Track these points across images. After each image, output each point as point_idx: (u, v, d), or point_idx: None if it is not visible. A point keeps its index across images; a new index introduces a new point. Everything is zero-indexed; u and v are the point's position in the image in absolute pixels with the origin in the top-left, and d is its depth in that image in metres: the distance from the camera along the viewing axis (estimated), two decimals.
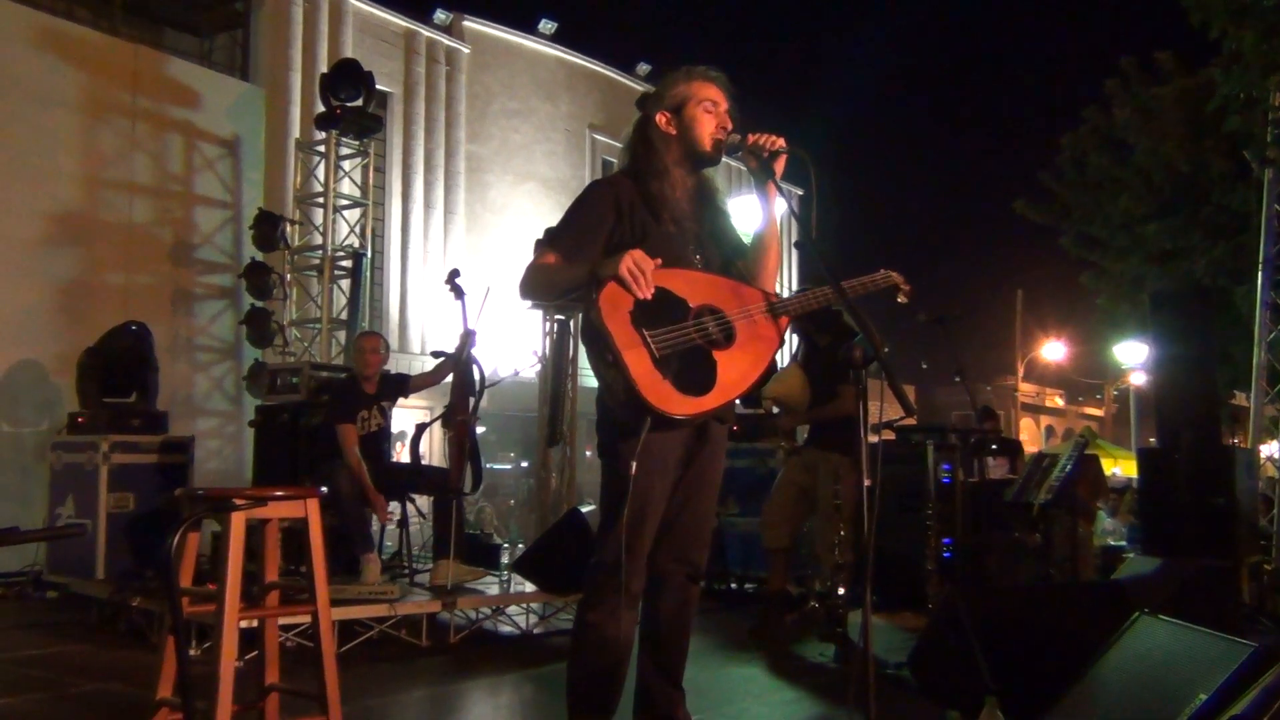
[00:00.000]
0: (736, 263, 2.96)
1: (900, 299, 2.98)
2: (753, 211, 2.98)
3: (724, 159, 2.99)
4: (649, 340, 2.60)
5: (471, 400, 5.67)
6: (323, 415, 6.10)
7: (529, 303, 7.41)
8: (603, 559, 2.76)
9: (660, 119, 2.91)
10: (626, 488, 2.66)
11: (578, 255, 2.75)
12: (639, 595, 2.83)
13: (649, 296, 2.60)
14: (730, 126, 2.89)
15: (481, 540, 7.09)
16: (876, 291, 2.95)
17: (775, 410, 5.84)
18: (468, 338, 5.63)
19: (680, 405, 2.62)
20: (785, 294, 2.94)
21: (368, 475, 5.52)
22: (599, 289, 2.60)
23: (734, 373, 2.72)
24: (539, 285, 2.84)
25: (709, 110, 2.88)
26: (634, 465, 2.63)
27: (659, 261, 2.64)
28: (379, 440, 5.92)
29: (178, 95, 9.42)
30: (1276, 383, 8.59)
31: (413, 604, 5.01)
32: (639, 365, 2.58)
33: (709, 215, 2.97)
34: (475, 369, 5.72)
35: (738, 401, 3.08)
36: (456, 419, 5.60)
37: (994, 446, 7.24)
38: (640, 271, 2.58)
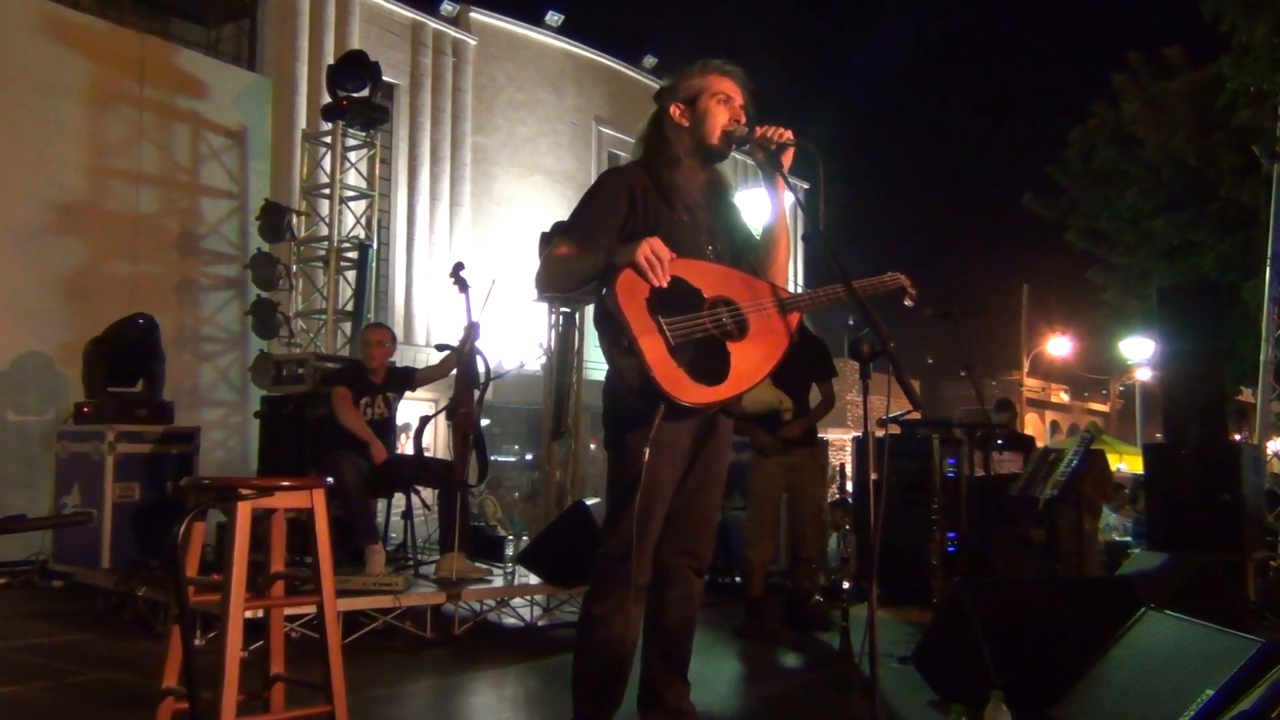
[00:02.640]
0: (747, 256, 2.95)
1: (907, 301, 2.99)
2: (761, 205, 2.98)
3: (732, 152, 2.98)
4: (664, 328, 2.59)
5: (476, 393, 5.67)
6: (324, 384, 6.12)
7: (545, 295, 7.39)
8: (609, 551, 2.75)
9: (674, 111, 2.91)
10: (634, 479, 2.65)
11: (592, 245, 2.74)
12: (645, 588, 2.82)
13: (665, 284, 2.60)
14: (744, 120, 2.88)
15: (486, 533, 7.09)
16: (884, 293, 2.95)
17: (786, 417, 5.63)
18: (471, 330, 5.63)
19: (694, 394, 2.61)
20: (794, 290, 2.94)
21: (364, 425, 5.59)
22: (615, 275, 2.60)
23: (747, 364, 2.71)
24: (555, 277, 2.82)
25: (722, 103, 2.88)
26: (646, 453, 2.61)
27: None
28: (383, 431, 5.92)
29: (184, 85, 9.41)
30: None
31: (417, 595, 5.02)
32: (654, 351, 2.57)
33: (721, 208, 2.98)
34: (480, 361, 5.72)
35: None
36: (460, 411, 5.61)
37: (999, 441, 7.17)
38: (657, 259, 2.58)
